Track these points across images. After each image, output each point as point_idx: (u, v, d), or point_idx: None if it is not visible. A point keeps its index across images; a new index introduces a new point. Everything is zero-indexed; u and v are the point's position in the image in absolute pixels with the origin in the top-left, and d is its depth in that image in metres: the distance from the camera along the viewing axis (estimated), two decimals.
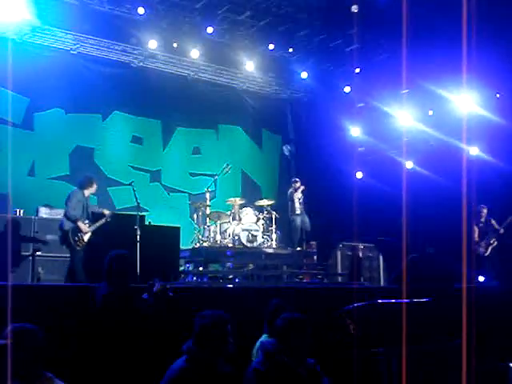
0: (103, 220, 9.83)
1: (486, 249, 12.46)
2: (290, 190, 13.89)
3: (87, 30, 12.83)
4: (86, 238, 9.57)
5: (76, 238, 9.44)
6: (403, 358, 4.79)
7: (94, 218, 9.86)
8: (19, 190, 12.30)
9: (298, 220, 13.64)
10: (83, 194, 9.78)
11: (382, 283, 12.95)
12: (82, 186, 9.90)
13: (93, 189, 10.03)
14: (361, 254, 13.62)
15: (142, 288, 5.83)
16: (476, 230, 12.59)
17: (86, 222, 9.68)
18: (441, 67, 12.69)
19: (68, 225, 9.50)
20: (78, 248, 9.45)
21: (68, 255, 9.83)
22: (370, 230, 13.32)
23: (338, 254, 13.49)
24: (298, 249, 13.49)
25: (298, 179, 13.97)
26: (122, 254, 5.71)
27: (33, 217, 10.61)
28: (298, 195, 13.72)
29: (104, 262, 5.58)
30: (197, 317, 4.18)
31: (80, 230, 9.48)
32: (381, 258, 13.45)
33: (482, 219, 12.66)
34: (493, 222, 12.58)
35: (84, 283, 8.86)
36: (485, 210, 12.68)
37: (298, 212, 13.66)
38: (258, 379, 4.24)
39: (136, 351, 5.11)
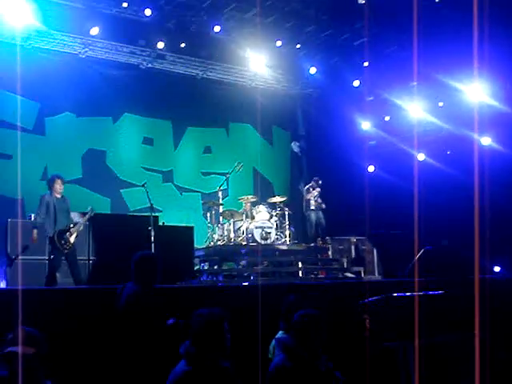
0: (86, 216, 9.74)
1: None
2: (308, 187, 13.93)
3: (95, 33, 12.84)
4: (73, 239, 9.47)
5: (63, 242, 9.33)
6: (418, 351, 4.79)
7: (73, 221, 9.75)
8: (32, 194, 12.38)
9: (313, 215, 13.66)
10: (51, 196, 9.60)
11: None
12: (48, 187, 9.77)
13: (58, 187, 9.66)
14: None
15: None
16: None
17: (72, 224, 9.64)
18: (451, 58, 12.61)
19: (50, 230, 9.40)
20: (66, 251, 9.35)
21: (83, 257, 9.97)
22: (382, 223, 13.31)
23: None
24: (312, 245, 13.48)
25: (319, 179, 14.02)
26: (150, 254, 5.80)
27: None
28: (315, 193, 13.77)
29: (131, 262, 5.61)
30: (193, 316, 4.12)
31: (65, 232, 9.39)
32: (374, 250, 13.50)
33: None
34: None
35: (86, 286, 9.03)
36: None
37: (312, 208, 13.70)
38: (283, 376, 4.24)
39: (157, 350, 5.13)
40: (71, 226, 9.56)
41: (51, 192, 9.64)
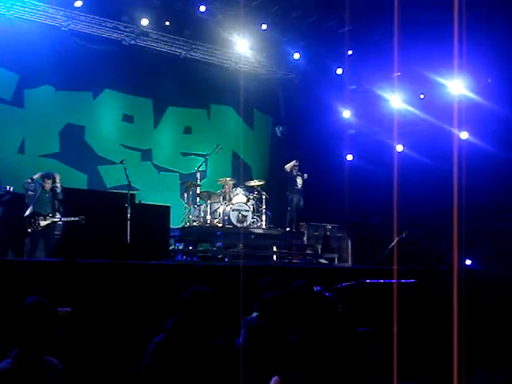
0: (70, 218, 9.92)
1: None
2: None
3: (78, 6, 12.69)
4: (43, 223, 9.91)
5: (32, 220, 9.84)
6: (389, 337, 4.85)
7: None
8: (9, 166, 12.29)
9: (295, 199, 13.63)
10: (40, 185, 10.31)
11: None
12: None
13: (46, 185, 10.33)
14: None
15: None
16: None
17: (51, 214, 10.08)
18: (433, 51, 12.68)
19: (29, 210, 9.92)
20: (31, 229, 9.85)
21: (58, 233, 10.24)
22: (358, 211, 13.39)
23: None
24: (288, 229, 13.53)
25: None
26: None
27: (24, 193, 10.63)
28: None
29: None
30: (186, 292, 4.09)
31: (40, 215, 9.91)
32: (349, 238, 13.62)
33: None
34: None
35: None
36: None
37: (297, 187, 13.65)
38: (241, 355, 4.26)
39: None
40: (50, 214, 9.99)
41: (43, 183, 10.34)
